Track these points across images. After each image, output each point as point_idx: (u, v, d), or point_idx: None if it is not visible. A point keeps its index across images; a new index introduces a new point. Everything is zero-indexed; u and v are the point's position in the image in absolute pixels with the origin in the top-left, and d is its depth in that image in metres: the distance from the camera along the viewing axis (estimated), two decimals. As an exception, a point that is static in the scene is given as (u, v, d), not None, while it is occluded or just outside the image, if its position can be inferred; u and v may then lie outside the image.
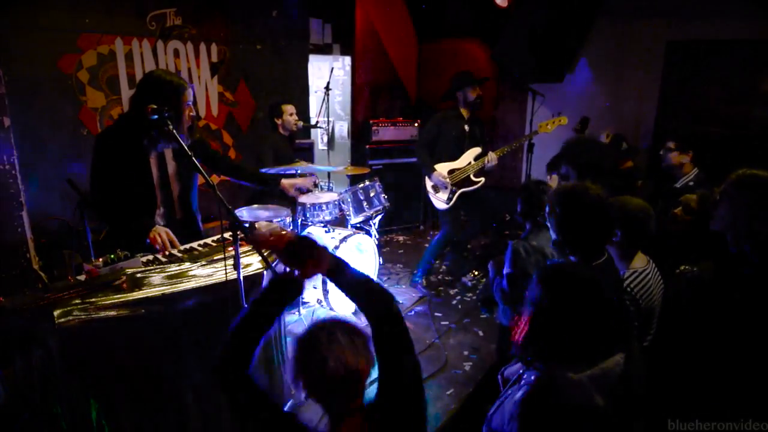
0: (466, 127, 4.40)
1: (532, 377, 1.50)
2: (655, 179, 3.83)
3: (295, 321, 3.90)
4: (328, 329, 1.40)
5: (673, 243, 2.52)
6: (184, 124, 2.54)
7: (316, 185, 3.36)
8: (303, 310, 3.94)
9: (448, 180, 4.29)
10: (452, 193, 4.33)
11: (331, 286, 3.72)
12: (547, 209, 2.05)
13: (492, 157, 4.22)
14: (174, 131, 2.24)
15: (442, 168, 4.34)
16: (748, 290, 1.96)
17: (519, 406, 1.43)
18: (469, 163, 4.32)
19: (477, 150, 4.36)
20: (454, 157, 4.36)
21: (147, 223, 2.51)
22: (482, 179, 4.36)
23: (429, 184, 4.41)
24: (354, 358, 1.35)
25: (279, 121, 4.46)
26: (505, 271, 2.48)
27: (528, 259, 2.44)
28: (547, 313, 1.47)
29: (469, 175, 4.32)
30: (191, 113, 2.57)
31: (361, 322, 1.54)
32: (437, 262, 5.17)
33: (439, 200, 4.39)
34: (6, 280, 3.33)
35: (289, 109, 4.47)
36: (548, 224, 2.06)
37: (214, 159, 3.04)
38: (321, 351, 1.34)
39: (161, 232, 2.43)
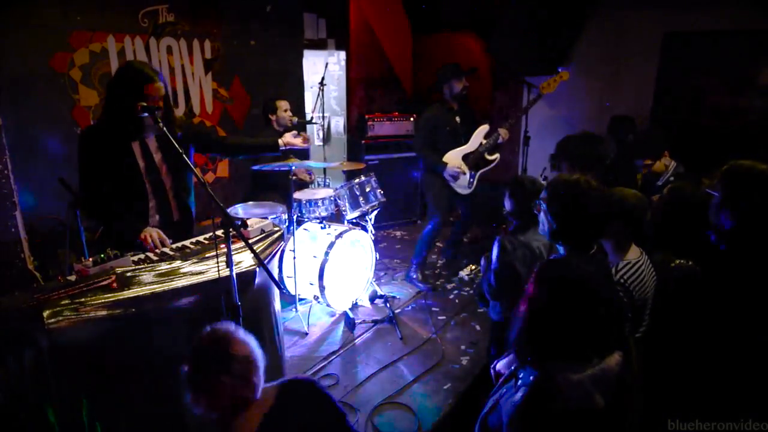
0: (458, 119, 4.40)
1: (530, 378, 1.47)
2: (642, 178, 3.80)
3: (292, 318, 3.90)
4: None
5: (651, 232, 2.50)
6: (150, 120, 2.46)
7: (307, 141, 3.29)
8: (300, 307, 3.94)
9: (464, 167, 4.31)
10: (471, 177, 4.36)
11: (327, 282, 3.73)
12: (544, 196, 2.03)
13: (504, 133, 4.27)
14: (165, 129, 2.23)
15: (455, 157, 4.33)
16: (742, 283, 1.95)
17: (518, 409, 1.41)
18: (481, 143, 4.33)
19: (485, 128, 4.37)
20: (454, 147, 4.37)
21: (139, 224, 2.49)
22: (497, 156, 4.39)
23: (446, 176, 4.38)
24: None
25: (273, 117, 4.45)
26: (492, 266, 2.47)
27: (514, 254, 2.43)
28: (544, 311, 1.45)
29: (483, 155, 4.33)
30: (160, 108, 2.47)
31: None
32: (434, 256, 5.17)
33: (461, 187, 4.39)
34: (1, 279, 3.33)
35: (283, 104, 4.46)
36: (543, 214, 2.03)
37: (210, 143, 3.02)
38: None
39: (152, 232, 2.42)
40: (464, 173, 4.32)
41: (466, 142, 4.37)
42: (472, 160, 4.33)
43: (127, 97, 2.39)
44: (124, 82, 2.44)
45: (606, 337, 1.44)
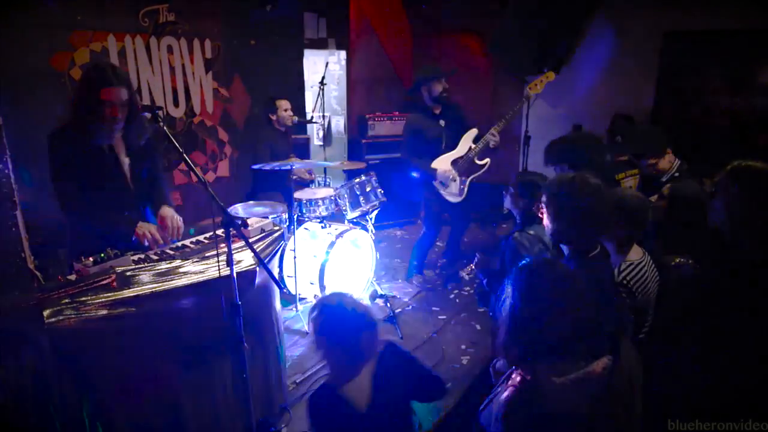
0: (441, 123, 4.28)
1: (518, 378, 1.48)
2: (642, 175, 3.79)
3: (293, 317, 3.90)
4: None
5: (653, 232, 2.50)
6: (104, 123, 2.38)
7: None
8: (300, 306, 3.93)
9: (454, 172, 4.20)
10: (462, 183, 4.24)
11: (327, 281, 3.73)
12: (544, 199, 2.03)
13: (493, 134, 4.10)
14: (165, 129, 2.21)
15: (443, 162, 4.23)
16: (745, 283, 1.95)
17: (503, 408, 1.42)
18: (470, 147, 4.22)
19: (473, 132, 4.25)
20: (440, 153, 4.26)
21: (131, 218, 2.45)
22: (488, 160, 4.25)
23: (436, 183, 4.29)
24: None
25: (273, 117, 4.46)
26: (511, 265, 2.45)
27: (532, 249, 2.41)
28: (520, 312, 1.45)
29: (473, 160, 4.22)
30: (116, 115, 2.38)
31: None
32: (434, 256, 5.16)
33: (451, 195, 4.28)
34: (1, 279, 3.33)
35: (283, 104, 4.47)
36: (543, 214, 2.03)
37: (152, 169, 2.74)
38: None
39: (149, 228, 2.40)
40: (454, 180, 4.21)
41: (452, 146, 4.27)
42: (462, 166, 4.22)
43: (86, 98, 2.35)
44: (85, 82, 2.39)
45: (590, 340, 1.44)
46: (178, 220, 2.53)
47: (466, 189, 4.27)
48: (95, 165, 2.47)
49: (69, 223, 2.67)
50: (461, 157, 4.24)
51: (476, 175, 4.28)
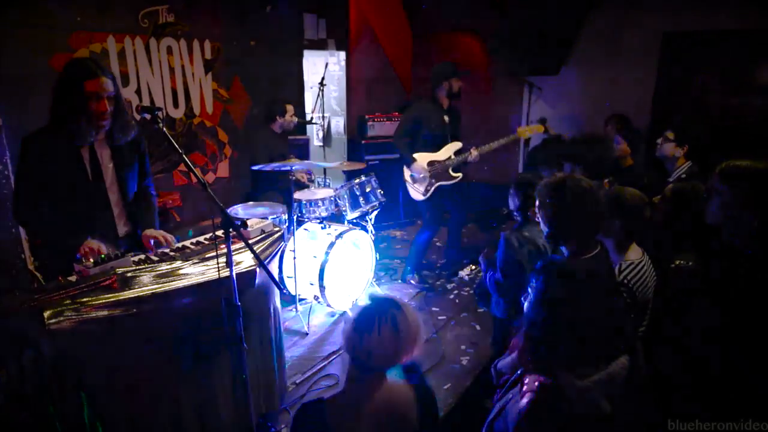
0: (446, 118, 4.32)
1: (536, 384, 1.46)
2: (650, 172, 3.80)
3: (292, 318, 3.90)
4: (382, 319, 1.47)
5: (653, 233, 2.51)
6: (94, 120, 2.23)
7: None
8: (300, 307, 3.94)
9: (427, 172, 4.24)
10: (430, 185, 4.27)
11: (327, 282, 3.73)
12: (537, 202, 2.04)
13: (475, 154, 4.22)
14: (165, 130, 2.20)
15: (423, 159, 4.26)
16: (744, 284, 1.95)
17: (524, 416, 1.40)
18: (450, 157, 4.27)
19: (457, 144, 4.31)
20: (434, 148, 4.29)
21: (80, 238, 2.26)
22: (460, 175, 4.32)
23: (407, 173, 4.33)
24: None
25: (280, 120, 4.50)
26: (499, 263, 2.48)
27: (520, 250, 2.43)
28: (540, 316, 1.44)
29: (447, 170, 4.27)
30: (104, 109, 2.22)
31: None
32: (434, 256, 5.17)
33: (417, 191, 4.33)
34: (1, 280, 3.34)
35: (291, 108, 4.53)
36: (539, 217, 2.04)
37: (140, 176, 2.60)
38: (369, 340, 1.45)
39: (92, 245, 2.24)
40: (424, 179, 4.25)
41: (451, 141, 4.32)
42: (436, 170, 4.25)
43: (68, 95, 2.17)
44: (65, 79, 2.20)
45: (612, 341, 1.43)
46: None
47: (431, 191, 4.30)
48: (72, 172, 2.30)
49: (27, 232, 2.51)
50: (439, 162, 4.27)
51: (445, 183, 4.30)
